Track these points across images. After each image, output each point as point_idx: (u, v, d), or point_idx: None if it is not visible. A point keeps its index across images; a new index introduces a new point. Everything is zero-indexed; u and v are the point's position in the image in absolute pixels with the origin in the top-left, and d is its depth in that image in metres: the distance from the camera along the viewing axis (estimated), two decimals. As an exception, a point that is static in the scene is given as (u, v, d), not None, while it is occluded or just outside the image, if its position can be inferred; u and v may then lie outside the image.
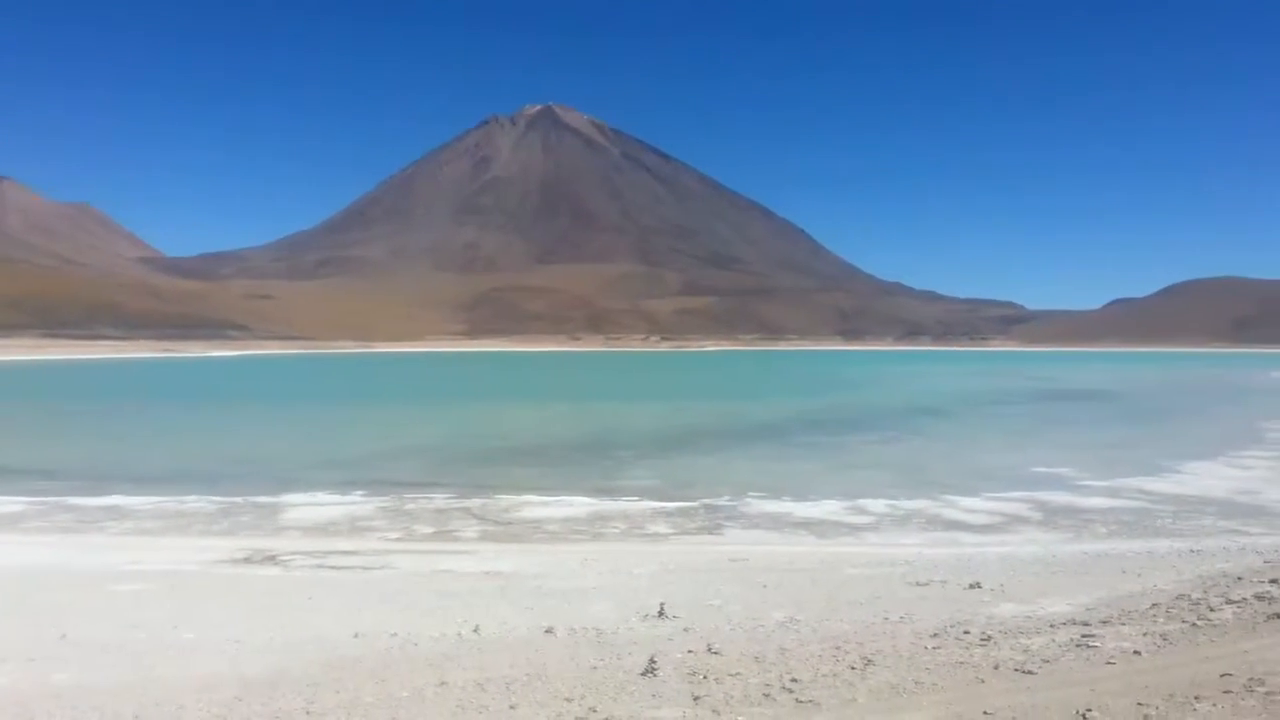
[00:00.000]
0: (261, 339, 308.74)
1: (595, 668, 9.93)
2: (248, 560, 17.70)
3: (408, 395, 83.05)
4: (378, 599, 14.14)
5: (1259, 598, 11.78)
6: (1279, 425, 47.82)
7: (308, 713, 8.77)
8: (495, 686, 9.32)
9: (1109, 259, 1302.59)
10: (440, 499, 25.30)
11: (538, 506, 24.14)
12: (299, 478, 29.15)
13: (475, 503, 24.69)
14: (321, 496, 25.83)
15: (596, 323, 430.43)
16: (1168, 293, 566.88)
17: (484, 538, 20.59)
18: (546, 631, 11.73)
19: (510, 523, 22.22)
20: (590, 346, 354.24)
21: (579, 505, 24.33)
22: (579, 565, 16.91)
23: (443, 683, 9.53)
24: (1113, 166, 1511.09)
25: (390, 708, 8.81)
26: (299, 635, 11.89)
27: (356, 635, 11.79)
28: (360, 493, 26.33)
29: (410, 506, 24.19)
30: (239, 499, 25.20)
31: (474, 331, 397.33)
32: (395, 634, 11.83)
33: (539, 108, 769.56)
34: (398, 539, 20.36)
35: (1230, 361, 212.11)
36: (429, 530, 21.35)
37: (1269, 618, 10.57)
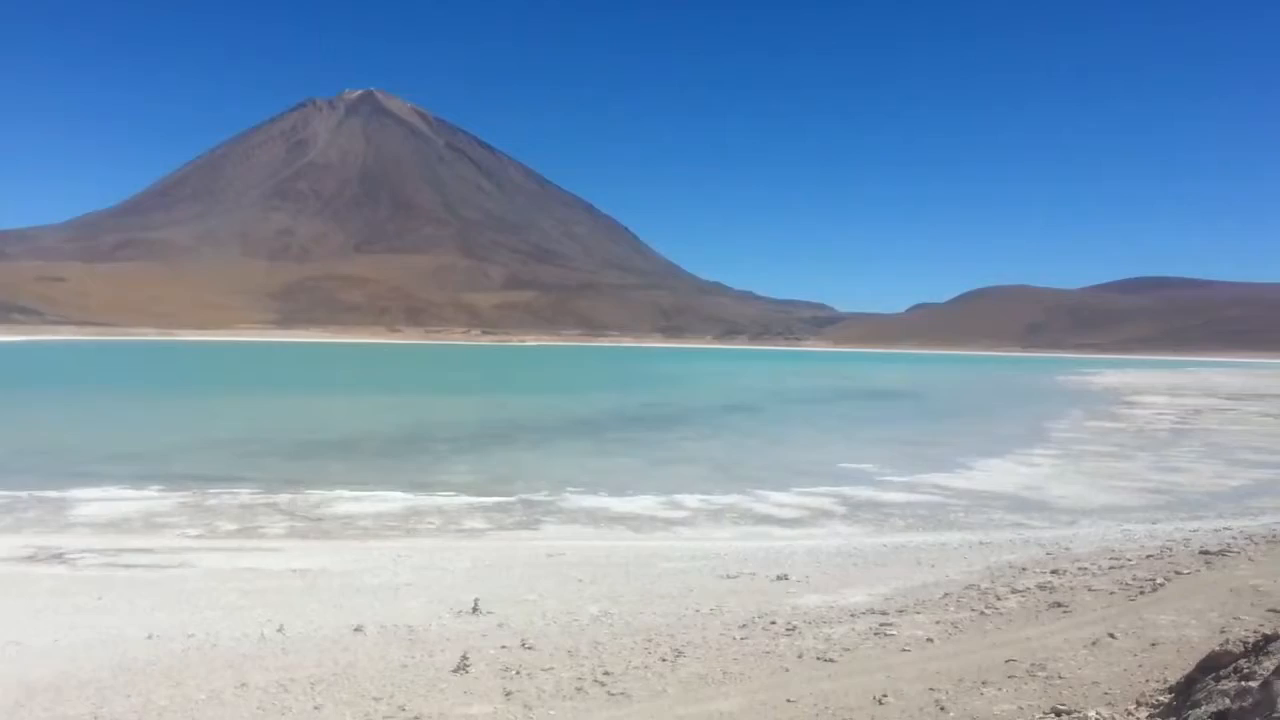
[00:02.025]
0: (53, 324, 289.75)
1: (406, 666, 9.74)
2: (32, 558, 16.54)
3: (212, 385, 79.27)
4: (174, 598, 13.47)
5: (1041, 587, 12.60)
6: (1062, 425, 51.35)
7: (95, 718, 8.29)
8: (299, 687, 9.02)
9: (912, 266, 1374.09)
10: (245, 494, 24.28)
11: (349, 502, 23.49)
12: (90, 471, 27.41)
13: (283, 498, 23.80)
14: (115, 491, 24.36)
15: (416, 315, 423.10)
16: (965, 299, 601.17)
17: (291, 534, 19.88)
18: (355, 630, 11.42)
19: (320, 519, 21.53)
20: (409, 339, 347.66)
21: (393, 500, 23.82)
22: (391, 562, 16.55)
23: (243, 684, 9.16)
24: (915, 176, 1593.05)
25: (186, 711, 8.41)
26: (87, 637, 11.21)
27: (150, 636, 11.21)
28: (157, 487, 24.98)
29: (212, 502, 23.13)
30: (23, 493, 23.49)
31: (286, 321, 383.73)
32: (192, 635, 11.31)
33: (360, 93, 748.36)
34: (198, 536, 19.42)
35: (1021, 365, 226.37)
36: (232, 527, 20.45)
37: (1050, 606, 11.31)
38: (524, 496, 24.77)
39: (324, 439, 38.82)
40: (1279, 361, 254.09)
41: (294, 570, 15.66)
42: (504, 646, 10.42)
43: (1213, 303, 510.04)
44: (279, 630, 11.47)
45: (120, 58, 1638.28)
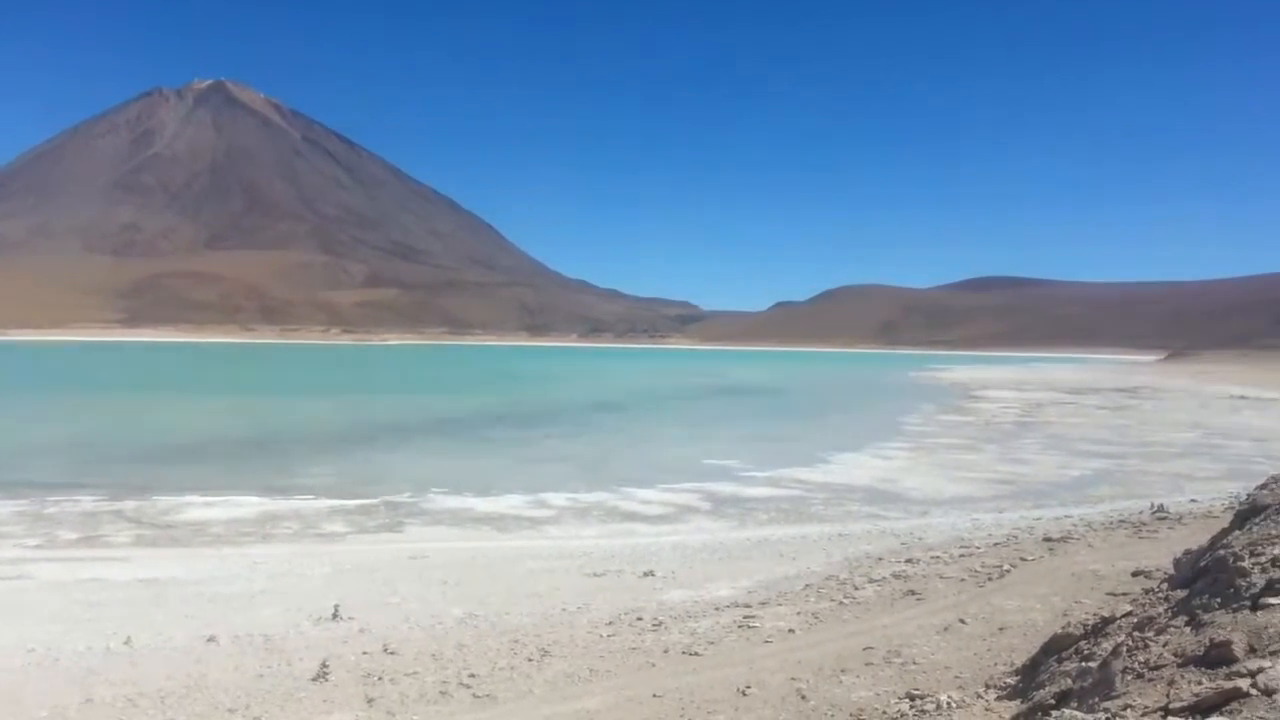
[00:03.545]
0: None
1: (262, 675, 9.45)
2: None
3: (49, 387, 75.09)
4: (12, 612, 12.76)
5: (896, 576, 13.03)
6: (915, 420, 53.19)
7: (-79, 744, 7.79)
8: (148, 701, 8.67)
9: (774, 265, 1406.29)
10: (88, 501, 23.08)
11: (200, 507, 22.58)
12: (-86, 480, 25.64)
13: (129, 505, 22.72)
14: (-58, 501, 22.83)
15: (271, 313, 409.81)
16: (824, 297, 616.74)
17: (139, 542, 19.00)
18: (208, 640, 11.02)
19: (169, 525, 20.65)
20: (265, 338, 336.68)
21: (247, 505, 22.99)
22: (246, 569, 16.00)
23: (88, 700, 8.78)
24: (775, 177, 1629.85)
25: (24, 732, 7.98)
26: (-87, 657, 10.49)
27: (-15, 654, 10.58)
28: (-9, 496, 23.52)
29: (52, 510, 21.89)
30: None
31: (133, 320, 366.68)
32: (33, 649, 10.76)
33: (209, 82, 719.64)
34: (36, 546, 18.36)
35: (876, 361, 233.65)
36: (74, 536, 19.41)
37: (904, 594, 11.70)
38: (386, 498, 24.28)
39: (173, 443, 37.27)
40: (1113, 357, 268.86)
41: (141, 580, 15.00)
42: (365, 652, 10.21)
43: (1052, 301, 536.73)
44: (126, 643, 10.98)
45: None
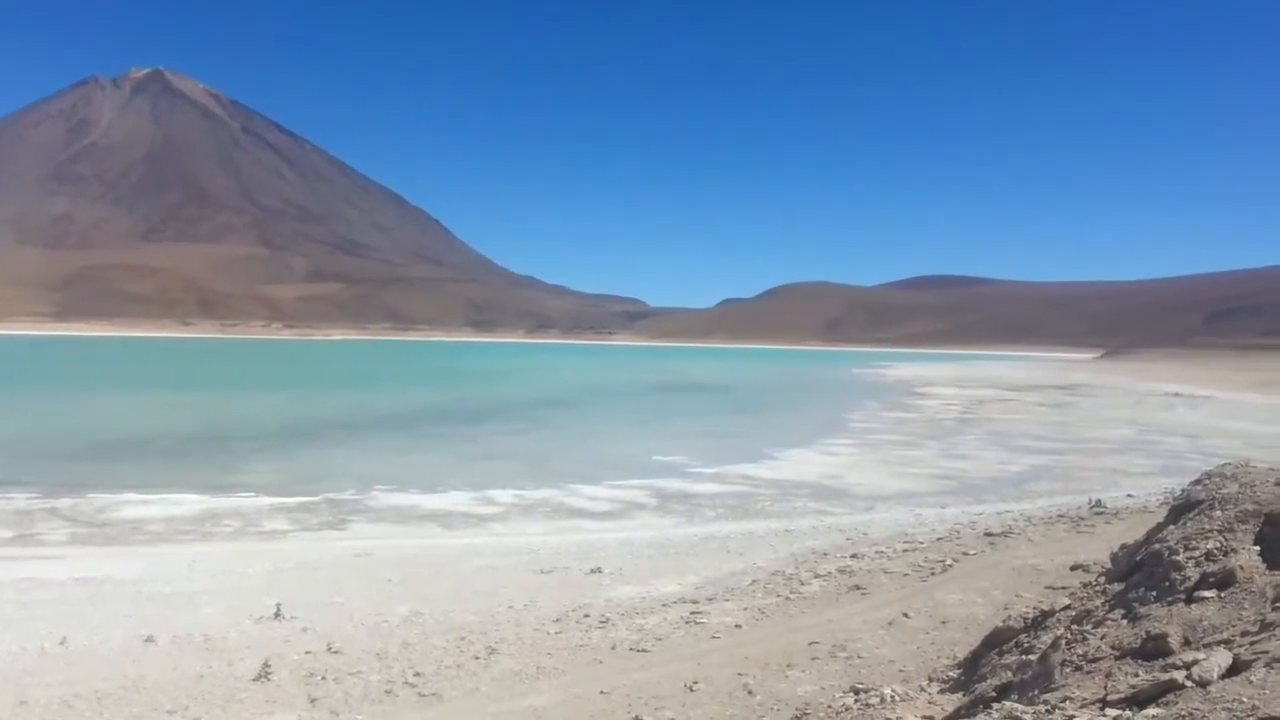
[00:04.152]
0: None
1: (202, 676, 9.29)
2: None
3: (-17, 383, 73.15)
4: (-60, 615, 12.37)
5: (841, 571, 13.15)
6: (859, 416, 53.72)
7: None
8: (84, 703, 8.51)
9: (721, 262, 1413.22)
10: (21, 499, 22.53)
11: (138, 505, 22.13)
12: None
13: (64, 502, 22.21)
14: None
15: (211, 308, 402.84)
16: (770, 295, 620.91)
17: (74, 541, 18.60)
18: (146, 640, 10.81)
19: (106, 524, 20.23)
20: (204, 333, 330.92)
21: (187, 503, 22.58)
22: (186, 568, 15.73)
23: (23, 701, 8.61)
24: (726, 175, 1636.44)
25: (-46, 737, 7.79)
26: None
27: (-87, 657, 10.28)
28: (-81, 494, 22.87)
29: (-17, 508, 21.35)
30: None
31: (65, 314, 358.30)
32: (-37, 652, 10.45)
33: (147, 71, 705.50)
34: (-33, 546, 17.91)
35: (822, 358, 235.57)
36: (7, 534, 18.96)
37: (849, 589, 11.81)
38: (330, 495, 23.98)
39: (109, 439, 36.48)
40: (1052, 355, 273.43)
41: (77, 579, 14.67)
42: (308, 652, 10.09)
43: (993, 300, 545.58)
44: (61, 643, 10.75)
45: None
